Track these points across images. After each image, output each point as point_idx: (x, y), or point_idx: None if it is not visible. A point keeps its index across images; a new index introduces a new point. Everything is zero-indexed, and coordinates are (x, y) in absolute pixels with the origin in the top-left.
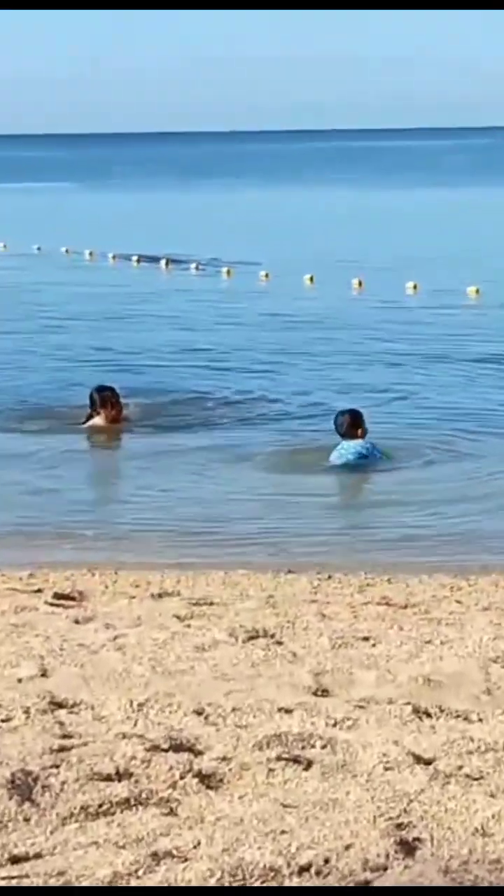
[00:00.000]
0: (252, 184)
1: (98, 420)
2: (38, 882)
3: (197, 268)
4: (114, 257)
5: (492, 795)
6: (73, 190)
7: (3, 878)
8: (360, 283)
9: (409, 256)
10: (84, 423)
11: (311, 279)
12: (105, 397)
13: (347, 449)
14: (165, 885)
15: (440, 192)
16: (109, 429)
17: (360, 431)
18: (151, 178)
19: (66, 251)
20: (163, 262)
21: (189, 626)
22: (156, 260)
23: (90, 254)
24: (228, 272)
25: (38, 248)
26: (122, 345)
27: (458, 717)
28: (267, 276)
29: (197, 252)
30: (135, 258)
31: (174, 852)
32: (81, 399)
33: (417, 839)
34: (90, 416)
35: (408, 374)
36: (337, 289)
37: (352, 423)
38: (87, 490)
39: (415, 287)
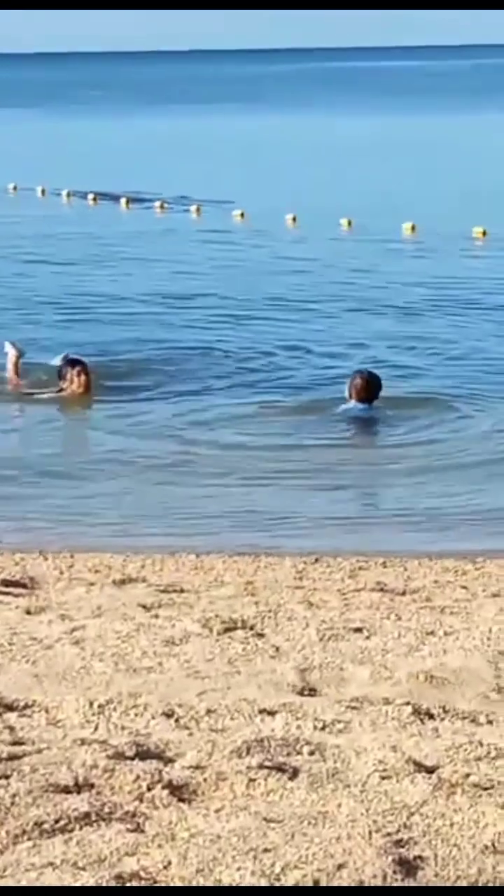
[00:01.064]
0: (222, 111)
1: (63, 391)
2: None
3: (162, 206)
4: (68, 195)
5: (503, 807)
6: (19, 118)
7: None
8: (349, 224)
9: (404, 193)
10: (55, 392)
11: (294, 219)
12: (73, 367)
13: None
14: None
15: (443, 119)
16: (74, 399)
17: (371, 398)
18: (107, 105)
19: (14, 188)
20: (123, 199)
21: (156, 616)
22: (115, 198)
23: (42, 191)
24: (198, 211)
25: None
26: (79, 294)
27: (464, 718)
28: (242, 215)
29: (161, 188)
30: (91, 196)
31: (141, 874)
32: (33, 358)
33: (419, 857)
34: (61, 390)
35: (410, 325)
36: (323, 230)
37: (366, 387)
38: (37, 463)
39: (412, 228)
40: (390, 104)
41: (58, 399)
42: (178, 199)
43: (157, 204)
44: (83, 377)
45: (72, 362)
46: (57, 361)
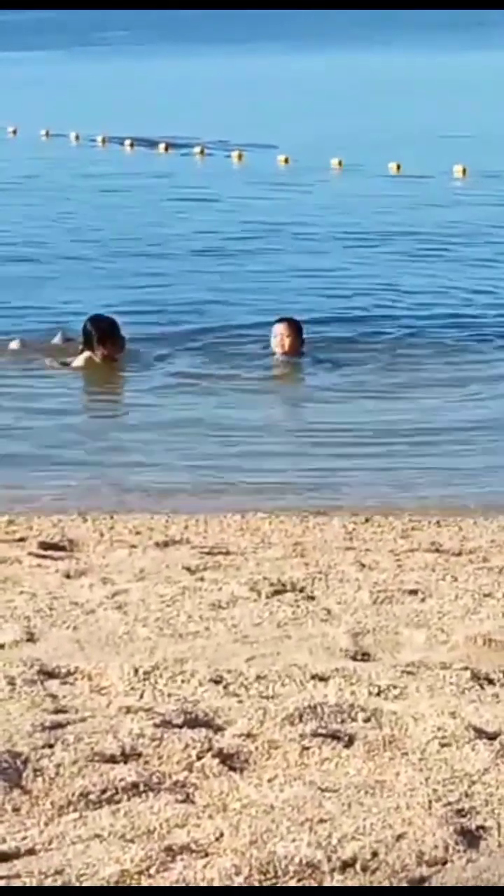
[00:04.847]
0: (257, 50)
1: (90, 357)
2: (31, 882)
3: (202, 152)
4: (103, 140)
5: None
6: (49, 59)
7: None
8: (398, 167)
9: (456, 134)
10: (72, 363)
11: (340, 163)
12: (103, 328)
13: None
14: (182, 884)
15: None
16: (103, 366)
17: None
18: (134, 45)
19: (46, 134)
20: (161, 145)
21: (202, 579)
22: (153, 143)
23: (75, 137)
24: (240, 156)
25: (14, 132)
26: (115, 247)
27: None
28: (286, 160)
29: (201, 133)
30: (128, 142)
31: (192, 846)
32: (60, 321)
33: (482, 827)
34: (81, 353)
35: (474, 271)
36: (371, 174)
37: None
38: (74, 425)
39: (464, 171)
40: (443, 41)
41: (79, 368)
42: (219, 144)
43: (197, 149)
44: (108, 348)
45: (98, 328)
46: (58, 339)
